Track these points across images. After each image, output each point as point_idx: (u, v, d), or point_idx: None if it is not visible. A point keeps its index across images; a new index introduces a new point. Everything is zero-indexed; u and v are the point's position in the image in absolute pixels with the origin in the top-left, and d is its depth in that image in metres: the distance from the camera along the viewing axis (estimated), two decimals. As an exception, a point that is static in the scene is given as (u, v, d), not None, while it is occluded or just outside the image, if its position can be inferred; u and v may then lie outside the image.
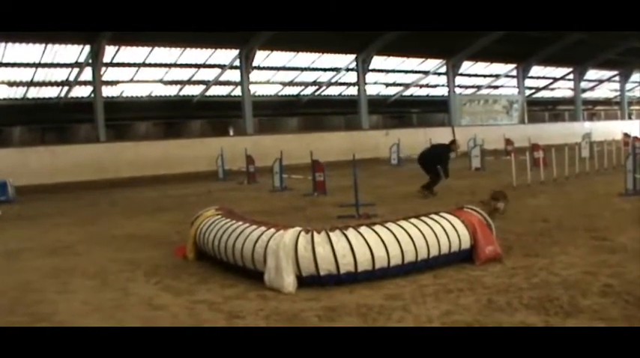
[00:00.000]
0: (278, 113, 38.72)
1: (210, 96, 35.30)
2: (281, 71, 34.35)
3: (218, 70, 32.00)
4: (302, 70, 34.75)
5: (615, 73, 48.76)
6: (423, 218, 6.58)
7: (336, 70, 35.43)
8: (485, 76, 43.07)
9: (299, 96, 38.84)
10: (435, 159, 13.76)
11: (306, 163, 17.18)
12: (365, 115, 33.27)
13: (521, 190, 13.86)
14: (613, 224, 8.84)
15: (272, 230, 6.28)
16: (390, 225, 6.32)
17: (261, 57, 30.96)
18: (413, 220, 6.50)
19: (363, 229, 6.19)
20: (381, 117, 42.77)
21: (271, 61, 32.38)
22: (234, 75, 31.68)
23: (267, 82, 35.48)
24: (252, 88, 32.56)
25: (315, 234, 6.03)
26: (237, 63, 29.88)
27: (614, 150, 19.22)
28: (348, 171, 12.71)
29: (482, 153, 21.19)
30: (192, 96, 34.93)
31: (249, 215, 8.71)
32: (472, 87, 44.59)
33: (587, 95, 51.93)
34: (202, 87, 34.21)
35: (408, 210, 10.72)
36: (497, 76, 43.29)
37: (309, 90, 38.41)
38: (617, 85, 51.08)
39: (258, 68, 32.27)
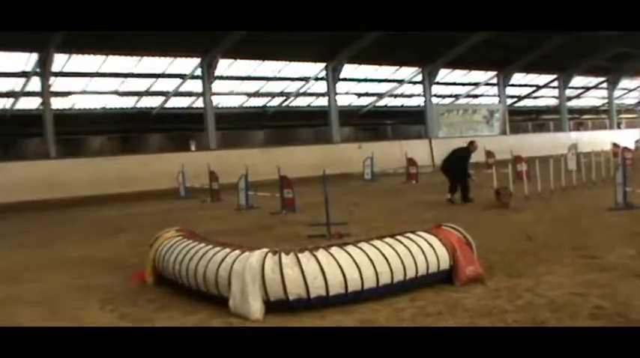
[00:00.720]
0: (243, 126, 38.67)
1: (169, 108, 35.15)
2: (246, 81, 34.35)
3: (178, 80, 31.90)
4: (268, 79, 34.80)
5: (602, 79, 49.58)
6: (399, 237, 6.60)
7: (305, 79, 35.56)
8: (463, 84, 43.59)
9: (265, 108, 38.86)
10: (459, 164, 15.08)
11: (274, 179, 17.15)
12: (336, 127, 33.40)
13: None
14: (602, 240, 8.96)
15: (237, 251, 6.25)
16: (363, 245, 6.33)
17: (224, 66, 30.95)
18: (388, 240, 6.52)
19: (335, 250, 6.18)
20: (353, 130, 42.96)
21: (235, 70, 32.38)
22: (196, 85, 31.61)
23: (231, 93, 35.45)
24: (215, 99, 32.49)
25: (283, 255, 6.00)
26: (198, 72, 29.82)
27: (603, 161, 19.53)
28: (319, 187, 12.74)
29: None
30: (151, 108, 34.75)
31: (212, 235, 8.65)
32: (450, 96, 45.07)
33: (572, 103, 52.76)
34: (161, 98, 34.06)
35: (383, 228, 10.74)
36: (476, 84, 43.84)
37: (276, 101, 38.46)
38: (604, 93, 51.98)
39: (221, 78, 32.24)
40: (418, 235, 6.70)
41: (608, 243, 8.74)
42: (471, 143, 15.78)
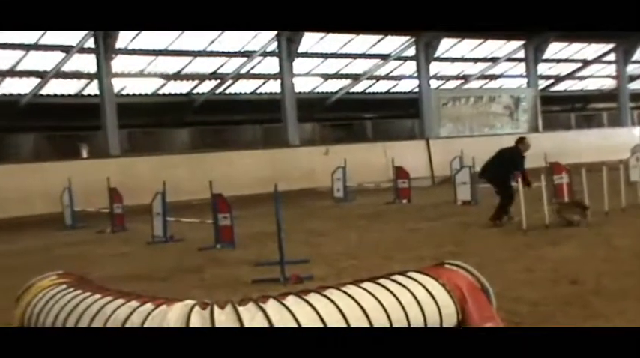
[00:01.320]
0: (159, 122, 38.47)
1: (48, 95, 34.80)
2: (162, 57, 34.23)
3: (60, 55, 31.65)
4: (194, 54, 34.73)
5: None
6: (384, 282, 6.62)
7: (248, 54, 35.58)
8: (476, 59, 44.11)
9: (191, 96, 38.73)
10: (506, 169, 16.29)
11: (204, 199, 17.13)
12: (293, 124, 33.48)
13: (536, 234, 14.18)
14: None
15: (148, 305, 6.21)
16: (332, 292, 6.34)
17: (127, 35, 30.80)
18: (367, 285, 6.53)
19: (292, 300, 6.18)
20: (317, 127, 43.06)
21: (144, 41, 32.25)
22: (88, 62, 31.39)
23: (141, 75, 35.28)
24: (117, 83, 32.30)
25: (216, 309, 5.99)
26: (90, 44, 29.64)
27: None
28: (269, 209, 12.76)
29: (472, 179, 21.54)
30: (18, 95, 34.36)
31: (113, 282, 8.60)
32: (457, 78, 45.51)
33: (638, 85, 53.33)
34: (36, 80, 33.72)
35: (361, 269, 10.80)
36: (494, 60, 44.36)
37: (207, 85, 38.37)
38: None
39: (126, 52, 32.12)
40: (411, 278, 6.73)
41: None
42: (521, 140, 17.16)
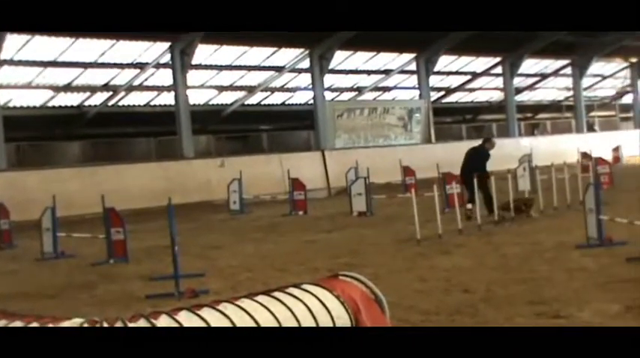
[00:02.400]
0: (49, 135, 37.73)
1: None
2: (51, 68, 33.60)
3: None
4: (85, 66, 34.18)
5: (565, 62, 51.79)
6: (278, 294, 6.57)
7: (141, 65, 35.19)
8: (369, 72, 44.54)
9: (82, 108, 38.10)
10: (478, 166, 17.86)
11: (96, 213, 16.86)
12: (188, 136, 33.23)
13: (430, 244, 14.36)
14: (569, 292, 9.31)
15: (34, 324, 6.04)
16: (226, 306, 6.26)
17: (13, 45, 30.10)
18: (262, 298, 6.48)
19: (184, 315, 6.08)
20: (213, 139, 42.81)
21: (32, 51, 31.59)
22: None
23: (29, 86, 34.56)
24: (3, 95, 31.58)
25: (105, 326, 5.86)
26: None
27: (568, 178, 20.34)
28: (164, 223, 12.64)
29: (368, 190, 21.70)
30: None
31: (-2, 301, 8.38)
32: (351, 89, 45.88)
33: (524, 97, 54.89)
34: None
35: (256, 281, 10.77)
36: (387, 72, 44.85)
37: (99, 98, 37.80)
38: (568, 81, 54.14)
39: (12, 63, 31.46)
40: (305, 290, 6.69)
41: (579, 295, 9.10)
42: (488, 140, 19.42)
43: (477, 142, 20.13)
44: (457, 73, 48.67)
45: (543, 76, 53.91)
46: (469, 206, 17.48)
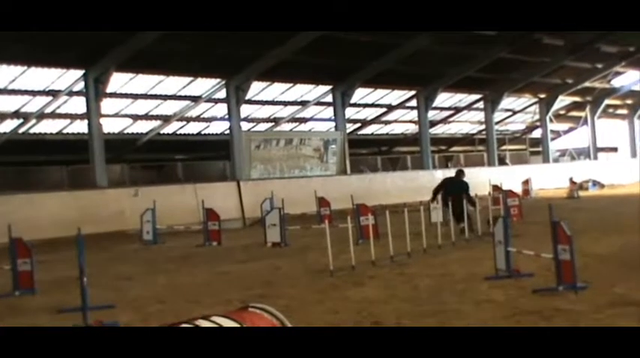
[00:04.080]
0: (-45, 163, 36.96)
1: None
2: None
3: None
4: (-5, 92, 33.63)
5: (478, 97, 52.69)
6: (187, 327, 6.50)
7: (53, 92, 34.70)
8: (286, 103, 44.65)
9: (-8, 135, 37.45)
10: (460, 193, 20.51)
11: (2, 243, 16.46)
12: (101, 165, 32.81)
13: (343, 275, 14.38)
14: (477, 324, 9.39)
15: None
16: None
17: None
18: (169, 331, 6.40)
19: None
20: (127, 168, 42.39)
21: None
22: None
23: None
24: None
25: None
26: None
27: (479, 210, 20.62)
28: (74, 253, 12.42)
29: (282, 221, 21.67)
30: None
31: None
32: (268, 120, 45.91)
33: (438, 130, 55.67)
34: None
35: (167, 313, 10.64)
36: (304, 104, 45.03)
37: (9, 125, 37.13)
38: (480, 115, 55.17)
39: None
40: (213, 322, 6.63)
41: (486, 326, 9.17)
42: (461, 171, 23.45)
43: (393, 174, 20.64)
44: (373, 105, 49.07)
45: (457, 110, 54.71)
46: (462, 225, 19.97)
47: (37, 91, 34.44)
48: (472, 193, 21.40)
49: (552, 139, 58.04)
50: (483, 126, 55.37)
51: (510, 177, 39.97)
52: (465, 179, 22.28)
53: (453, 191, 21.10)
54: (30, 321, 11.45)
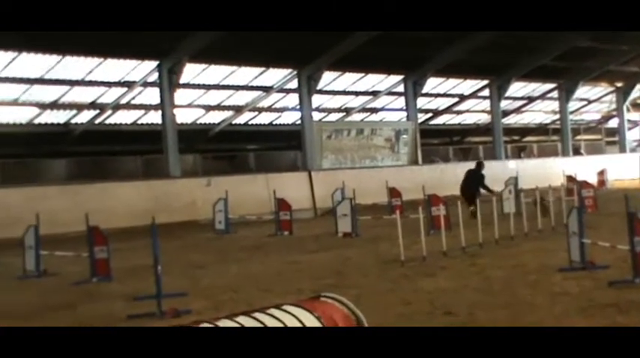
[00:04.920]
0: (33, 152, 37.63)
1: None
2: (37, 85, 33.53)
3: None
4: (71, 83, 34.11)
5: (552, 86, 51.91)
6: (259, 315, 6.52)
7: (128, 84, 35.15)
8: (357, 93, 44.60)
9: (69, 126, 38.02)
10: (477, 185, 24.09)
11: (80, 231, 16.76)
12: (174, 155, 33.14)
13: (414, 266, 14.32)
14: (551, 317, 9.29)
15: None
16: (207, 327, 6.22)
17: (1, 61, 30.03)
18: (242, 319, 6.42)
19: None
20: (199, 158, 42.80)
21: (17, 68, 31.51)
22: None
23: (15, 103, 34.48)
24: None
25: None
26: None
27: (553, 201, 20.36)
28: (148, 241, 12.59)
29: (353, 211, 21.67)
30: None
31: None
32: (338, 110, 45.91)
33: (511, 120, 55.05)
34: None
35: (239, 302, 10.72)
36: (375, 94, 44.94)
37: (85, 115, 37.73)
38: (555, 105, 54.43)
39: (-1, 80, 31.40)
40: (285, 311, 6.65)
41: (560, 320, 9.07)
42: (480, 163, 25.87)
43: (464, 165, 20.56)
44: (445, 95, 48.72)
45: (530, 99, 54.05)
46: (472, 208, 20.93)
47: (112, 82, 34.95)
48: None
49: (629, 129, 56.95)
50: (557, 116, 54.53)
51: (585, 167, 39.36)
52: (484, 171, 25.39)
53: (467, 182, 24.78)
54: (106, 307, 11.70)
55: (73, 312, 11.52)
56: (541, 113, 58.01)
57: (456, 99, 50.20)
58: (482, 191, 23.64)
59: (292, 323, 6.55)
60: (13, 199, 25.95)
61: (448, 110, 51.64)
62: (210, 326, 6.24)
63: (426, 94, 45.62)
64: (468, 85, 48.18)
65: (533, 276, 12.44)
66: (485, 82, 47.08)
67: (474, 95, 49.64)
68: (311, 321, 6.63)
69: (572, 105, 53.76)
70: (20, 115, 36.09)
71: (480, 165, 25.70)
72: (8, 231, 20.02)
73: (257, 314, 6.58)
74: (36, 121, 36.81)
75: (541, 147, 57.38)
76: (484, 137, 52.37)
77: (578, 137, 57.32)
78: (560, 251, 13.63)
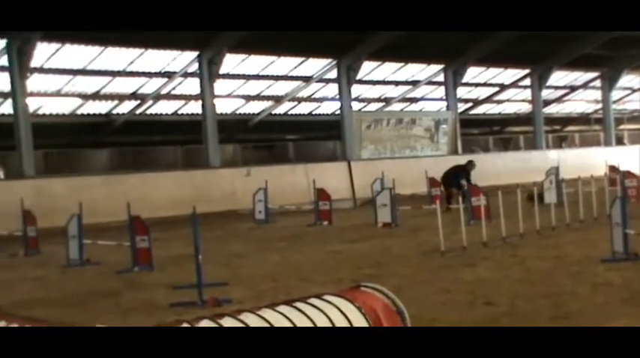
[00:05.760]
0: (76, 142, 37.98)
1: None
2: (79, 76, 33.83)
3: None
4: (113, 74, 34.40)
5: (595, 75, 51.23)
6: (300, 305, 6.57)
7: (169, 74, 35.37)
8: (397, 82, 44.53)
9: (110, 116, 38.34)
10: (452, 180, 24.50)
11: (122, 221, 16.91)
12: (214, 145, 33.29)
13: (454, 256, 14.32)
14: (593, 307, 9.28)
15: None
16: (248, 316, 6.28)
17: (43, 54, 30.36)
18: (283, 308, 6.48)
19: (206, 324, 6.11)
20: (239, 148, 42.97)
21: (61, 60, 31.82)
22: (1, 81, 30.86)
23: (58, 94, 34.80)
24: (33, 103, 31.80)
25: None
26: (4, 62, 29.11)
27: (595, 192, 20.16)
28: (189, 231, 12.70)
29: (393, 201, 21.67)
30: None
31: (23, 308, 8.43)
32: (378, 100, 45.85)
33: (552, 109, 54.58)
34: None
35: (279, 291, 10.78)
36: (414, 83, 44.84)
37: (127, 106, 38.04)
38: (597, 94, 53.73)
39: (42, 70, 31.67)
40: (326, 301, 6.69)
41: (603, 310, 9.06)
42: (470, 162, 25.39)
43: (505, 154, 20.39)
44: (485, 84, 48.46)
45: (572, 89, 53.52)
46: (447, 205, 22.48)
47: (153, 73, 35.22)
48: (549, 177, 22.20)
49: (675, 118, 56.36)
50: (600, 106, 53.77)
51: (628, 157, 38.92)
52: (475, 170, 25.27)
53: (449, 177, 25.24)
54: (148, 296, 11.81)
55: (117, 300, 11.64)
56: (583, 102, 57.41)
57: (497, 89, 49.90)
58: (462, 183, 23.41)
59: (333, 313, 6.60)
60: (57, 189, 26.20)
61: (488, 99, 51.36)
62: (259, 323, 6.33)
63: (466, 84, 45.35)
64: (509, 74, 47.84)
65: (575, 267, 12.38)
66: (527, 71, 46.66)
67: (514, 84, 49.28)
68: (351, 311, 6.68)
69: (616, 94, 53.07)
70: (63, 106, 36.49)
71: (470, 163, 25.46)
72: (51, 221, 20.16)
73: (298, 304, 6.64)
74: (78, 112, 37.19)
75: (583, 136, 56.93)
76: (525, 127, 52.05)
77: (621, 126, 56.72)
78: (602, 241, 13.56)
